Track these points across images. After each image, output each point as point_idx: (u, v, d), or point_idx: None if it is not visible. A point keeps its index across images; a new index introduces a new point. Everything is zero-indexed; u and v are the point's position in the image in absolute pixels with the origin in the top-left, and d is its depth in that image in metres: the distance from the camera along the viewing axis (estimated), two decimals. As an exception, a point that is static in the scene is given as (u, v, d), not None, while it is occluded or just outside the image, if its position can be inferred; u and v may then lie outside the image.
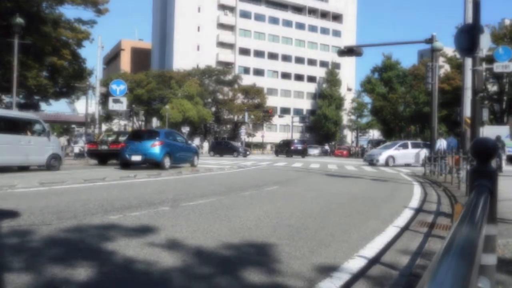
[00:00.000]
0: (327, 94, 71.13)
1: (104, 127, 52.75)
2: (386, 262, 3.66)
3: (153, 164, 14.78)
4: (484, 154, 1.66)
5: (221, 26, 73.30)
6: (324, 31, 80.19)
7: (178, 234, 4.41)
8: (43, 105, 34.19)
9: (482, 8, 8.23)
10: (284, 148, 40.71)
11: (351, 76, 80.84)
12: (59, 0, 24.20)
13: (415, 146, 24.91)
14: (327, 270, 3.32)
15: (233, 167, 18.15)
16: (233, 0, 73.28)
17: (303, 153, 39.09)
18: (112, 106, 20.66)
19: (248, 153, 38.45)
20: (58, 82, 29.49)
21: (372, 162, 23.25)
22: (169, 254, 3.65)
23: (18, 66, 19.28)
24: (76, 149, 25.64)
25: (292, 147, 39.58)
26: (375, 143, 54.69)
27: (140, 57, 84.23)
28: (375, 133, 71.94)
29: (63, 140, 28.93)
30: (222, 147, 38.86)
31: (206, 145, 55.28)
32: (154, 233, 4.46)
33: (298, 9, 79.32)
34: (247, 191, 8.70)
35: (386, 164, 22.39)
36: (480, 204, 1.25)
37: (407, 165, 22.86)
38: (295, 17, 78.14)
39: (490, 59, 13.79)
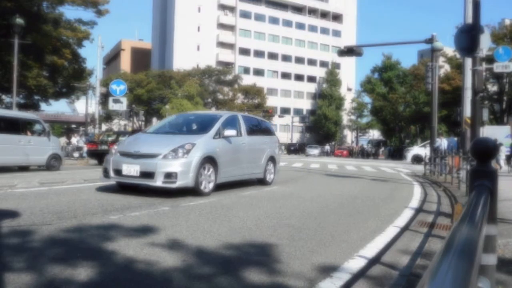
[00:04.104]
0: (327, 94, 71.18)
1: (104, 127, 52.70)
2: (386, 262, 3.66)
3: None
4: (484, 154, 1.66)
5: (221, 26, 73.31)
6: (324, 31, 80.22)
7: (178, 234, 4.41)
8: (43, 105, 34.26)
9: (482, 8, 8.23)
10: None
11: (351, 76, 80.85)
12: (59, 0, 24.22)
13: (262, 132, 10.19)
14: (327, 270, 3.32)
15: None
16: (233, 0, 73.29)
17: None
18: (112, 106, 20.68)
19: None
20: (58, 82, 29.53)
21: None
22: (169, 254, 3.65)
23: (18, 66, 19.28)
24: (76, 149, 25.64)
25: None
26: (375, 143, 54.69)
27: (140, 57, 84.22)
28: (375, 133, 72.01)
29: (74, 140, 28.44)
30: None
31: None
32: (154, 233, 4.46)
33: (298, 9, 79.32)
34: (246, 191, 8.70)
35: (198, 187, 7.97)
36: (480, 204, 1.25)
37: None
38: (295, 17, 78.15)
39: (490, 59, 13.78)
